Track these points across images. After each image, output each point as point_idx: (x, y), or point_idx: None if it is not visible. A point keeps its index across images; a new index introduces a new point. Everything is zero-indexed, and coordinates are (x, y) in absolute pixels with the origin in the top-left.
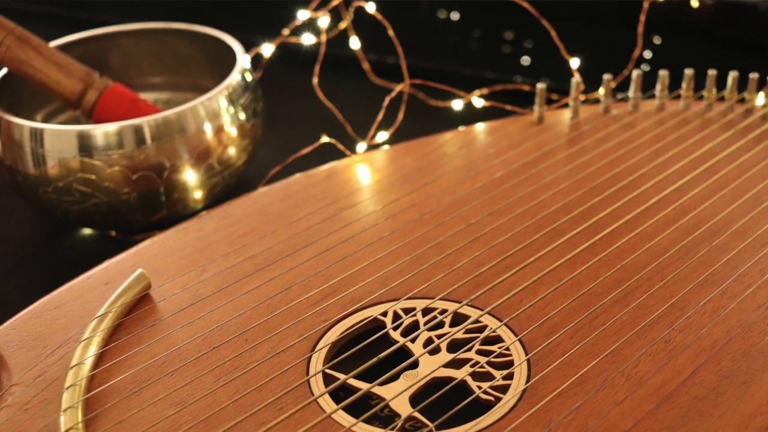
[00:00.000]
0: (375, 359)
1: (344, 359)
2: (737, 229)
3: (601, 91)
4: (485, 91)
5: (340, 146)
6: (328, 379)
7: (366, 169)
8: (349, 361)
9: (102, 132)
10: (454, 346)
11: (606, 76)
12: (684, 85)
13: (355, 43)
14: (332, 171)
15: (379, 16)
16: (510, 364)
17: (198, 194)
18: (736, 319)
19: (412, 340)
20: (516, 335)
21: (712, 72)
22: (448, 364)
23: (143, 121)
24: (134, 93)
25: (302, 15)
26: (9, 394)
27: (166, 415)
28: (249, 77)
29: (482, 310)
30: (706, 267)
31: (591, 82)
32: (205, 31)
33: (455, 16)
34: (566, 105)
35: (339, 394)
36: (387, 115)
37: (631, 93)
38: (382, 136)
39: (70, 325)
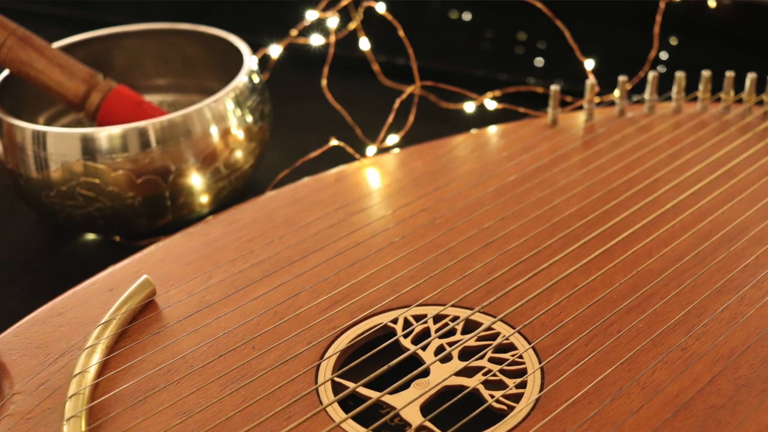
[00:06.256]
0: (385, 367)
1: (354, 367)
2: (755, 235)
3: (617, 93)
4: (498, 93)
5: (350, 149)
6: (337, 388)
7: (376, 173)
8: (358, 369)
9: (106, 135)
10: (466, 353)
11: (621, 78)
12: (701, 87)
13: (364, 44)
14: (341, 175)
15: (389, 17)
16: (523, 372)
17: (204, 198)
18: (755, 326)
19: (423, 348)
20: (529, 343)
21: (729, 73)
22: (460, 373)
23: (148, 123)
24: (139, 95)
25: (311, 15)
26: (11, 402)
27: (171, 425)
28: (256, 79)
29: (495, 317)
30: (723, 273)
31: (606, 84)
32: (211, 32)
33: (467, 16)
34: (581, 107)
35: (348, 403)
36: (397, 118)
37: (646, 95)
38: (393, 139)
39: (74, 332)
